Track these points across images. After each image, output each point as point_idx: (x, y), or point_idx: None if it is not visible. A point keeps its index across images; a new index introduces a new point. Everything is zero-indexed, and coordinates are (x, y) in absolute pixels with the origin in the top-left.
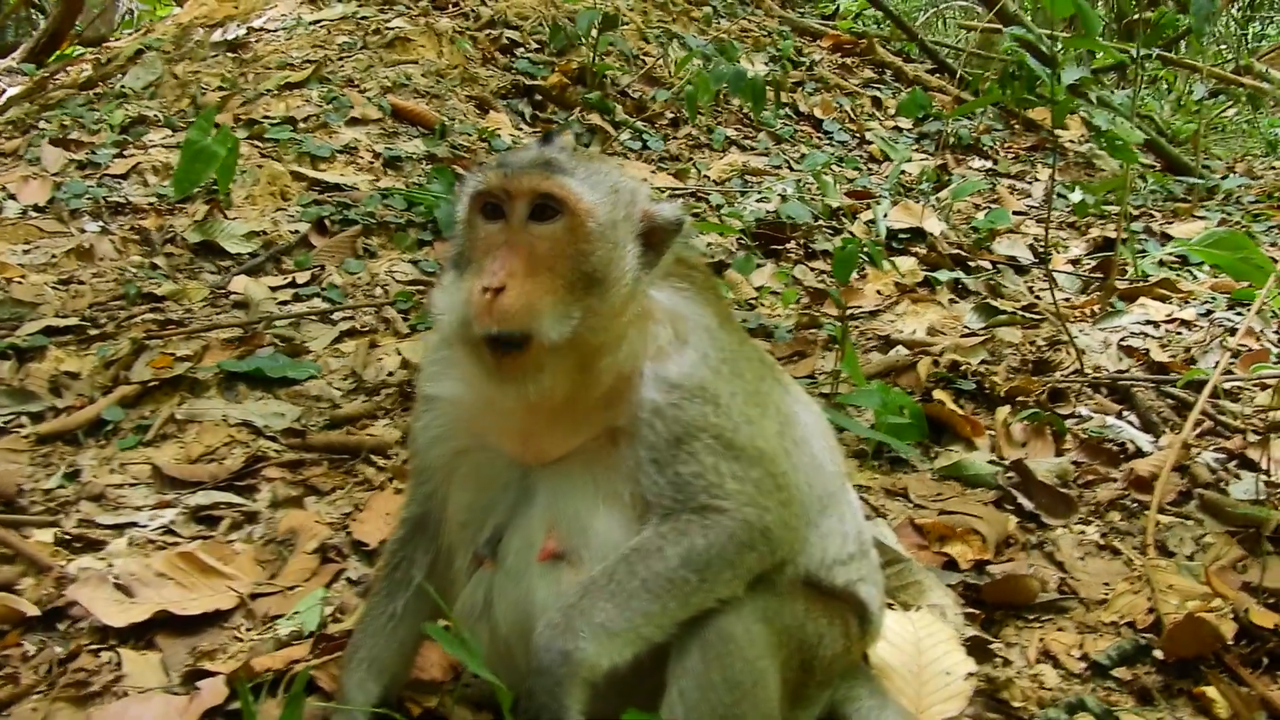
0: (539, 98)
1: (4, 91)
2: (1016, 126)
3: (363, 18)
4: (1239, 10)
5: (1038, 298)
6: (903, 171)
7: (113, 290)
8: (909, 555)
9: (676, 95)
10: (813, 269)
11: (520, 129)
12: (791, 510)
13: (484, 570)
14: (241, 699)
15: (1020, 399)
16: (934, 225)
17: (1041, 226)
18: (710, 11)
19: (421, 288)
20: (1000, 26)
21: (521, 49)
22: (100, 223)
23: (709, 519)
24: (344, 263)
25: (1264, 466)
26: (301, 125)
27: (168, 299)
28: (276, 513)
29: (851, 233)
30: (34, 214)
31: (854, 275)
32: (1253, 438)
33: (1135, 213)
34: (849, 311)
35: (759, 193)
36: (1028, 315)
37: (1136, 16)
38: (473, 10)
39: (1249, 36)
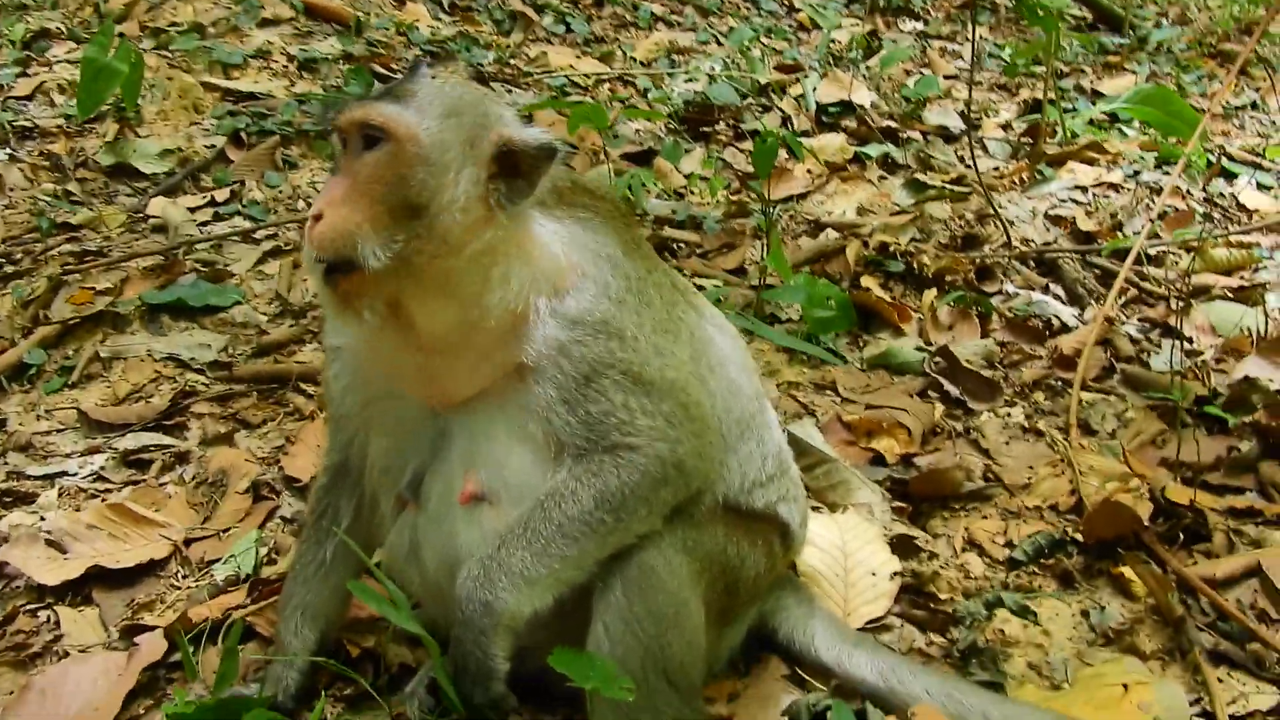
0: None
1: None
2: None
3: None
4: None
5: (968, 167)
6: (832, 40)
7: (26, 222)
8: (835, 455)
9: None
10: (742, 150)
11: (439, 19)
12: (705, 440)
13: (408, 513)
14: (181, 651)
15: (949, 278)
16: (863, 96)
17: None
18: None
19: None
20: None
21: None
22: (7, 149)
23: (621, 457)
24: (264, 176)
25: (1185, 333)
26: (210, 30)
27: (84, 228)
28: (208, 451)
29: (781, 109)
30: None
31: (783, 156)
32: (1176, 304)
33: (1065, 70)
34: (777, 197)
35: (686, 74)
36: (956, 189)
37: None
38: None
39: None
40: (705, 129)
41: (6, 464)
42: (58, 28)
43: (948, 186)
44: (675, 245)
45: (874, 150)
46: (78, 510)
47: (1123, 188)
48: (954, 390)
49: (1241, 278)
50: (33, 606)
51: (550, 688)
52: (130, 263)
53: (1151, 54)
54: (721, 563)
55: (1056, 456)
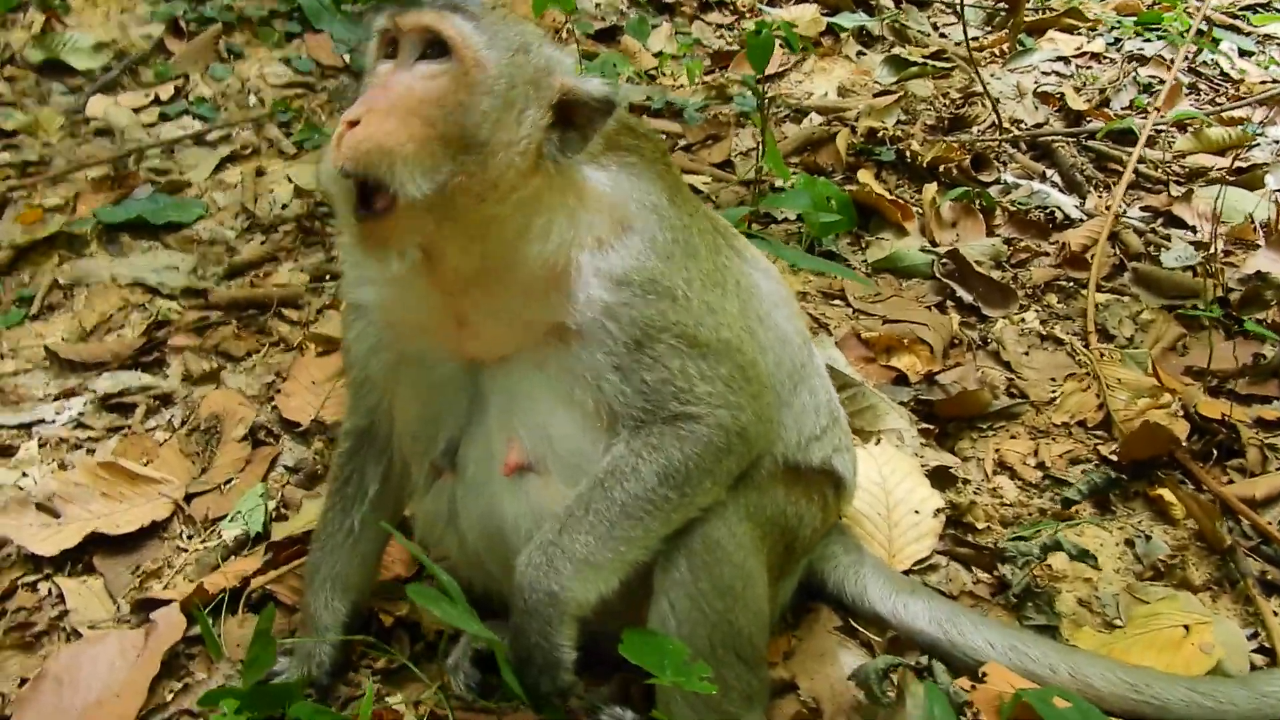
0: None
1: None
2: None
3: None
4: None
5: (943, 35)
6: None
7: None
8: (861, 379)
9: None
10: (710, 24)
11: None
12: (764, 401)
13: (444, 480)
14: (202, 628)
15: (943, 168)
16: None
17: None
18: None
19: (299, 91)
20: None
21: None
22: None
23: (683, 428)
24: (209, 69)
25: (1191, 223)
26: None
27: (21, 133)
28: (193, 391)
29: None
30: None
31: (750, 29)
32: (1176, 190)
33: None
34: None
35: None
36: (938, 64)
37: None
38: None
39: None
40: (669, 1)
41: None
42: None
43: (930, 63)
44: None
45: (848, 22)
46: (63, 467)
47: (1105, 57)
48: (967, 296)
49: (1237, 156)
50: (31, 578)
51: (602, 654)
52: (79, 173)
53: None
54: (781, 524)
55: (1079, 367)
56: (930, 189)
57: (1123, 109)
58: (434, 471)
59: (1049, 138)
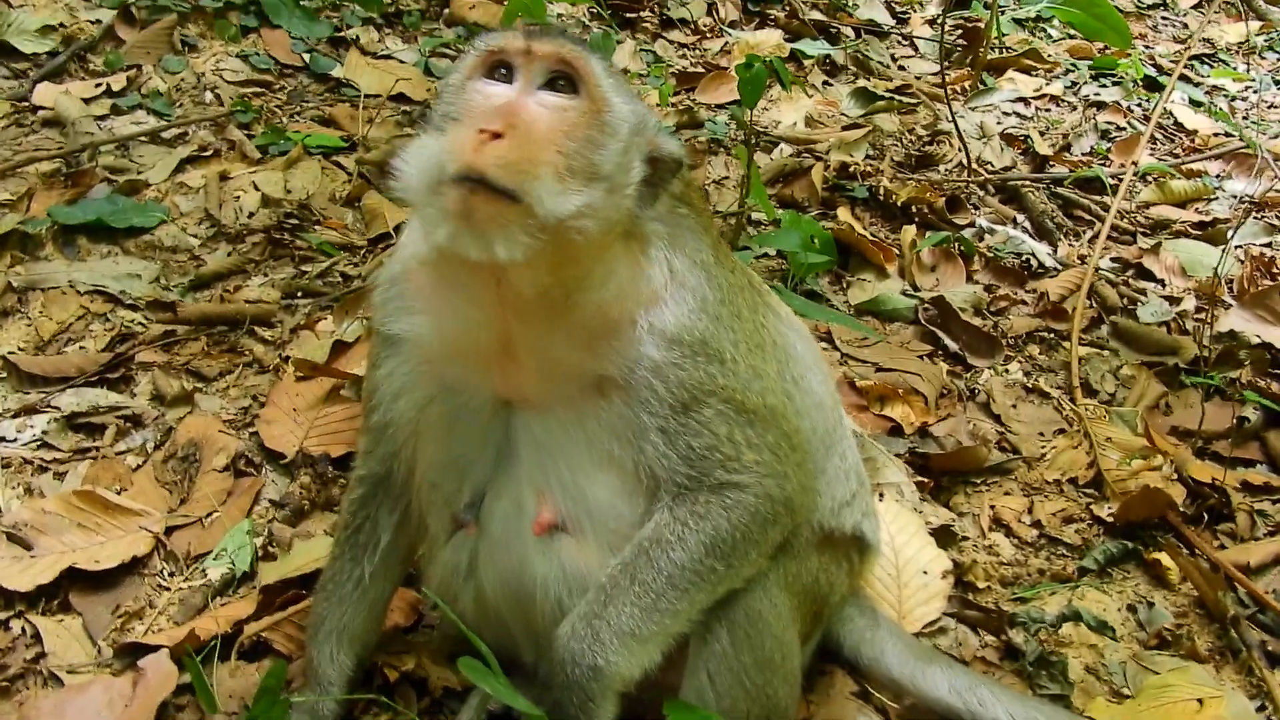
0: None
1: None
2: None
3: None
4: None
5: (902, 68)
6: None
7: None
8: (861, 430)
9: None
10: (672, 42)
11: None
12: (807, 470)
13: (466, 533)
14: (194, 679)
15: (918, 207)
16: None
17: None
18: None
19: (258, 89)
20: None
21: None
22: None
23: (730, 497)
24: (162, 60)
25: (1160, 275)
26: None
27: None
28: (165, 412)
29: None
30: None
31: (714, 50)
32: (1145, 242)
33: None
34: (715, 102)
35: None
36: (903, 100)
37: None
38: None
39: None
40: (630, 15)
41: None
42: None
43: (896, 97)
44: None
45: (811, 49)
46: (29, 492)
47: (1063, 100)
48: (953, 345)
49: (1198, 210)
50: (3, 616)
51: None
52: (29, 167)
53: None
54: (814, 592)
55: (1066, 422)
56: (909, 231)
57: (1084, 155)
58: (454, 523)
59: (1017, 182)
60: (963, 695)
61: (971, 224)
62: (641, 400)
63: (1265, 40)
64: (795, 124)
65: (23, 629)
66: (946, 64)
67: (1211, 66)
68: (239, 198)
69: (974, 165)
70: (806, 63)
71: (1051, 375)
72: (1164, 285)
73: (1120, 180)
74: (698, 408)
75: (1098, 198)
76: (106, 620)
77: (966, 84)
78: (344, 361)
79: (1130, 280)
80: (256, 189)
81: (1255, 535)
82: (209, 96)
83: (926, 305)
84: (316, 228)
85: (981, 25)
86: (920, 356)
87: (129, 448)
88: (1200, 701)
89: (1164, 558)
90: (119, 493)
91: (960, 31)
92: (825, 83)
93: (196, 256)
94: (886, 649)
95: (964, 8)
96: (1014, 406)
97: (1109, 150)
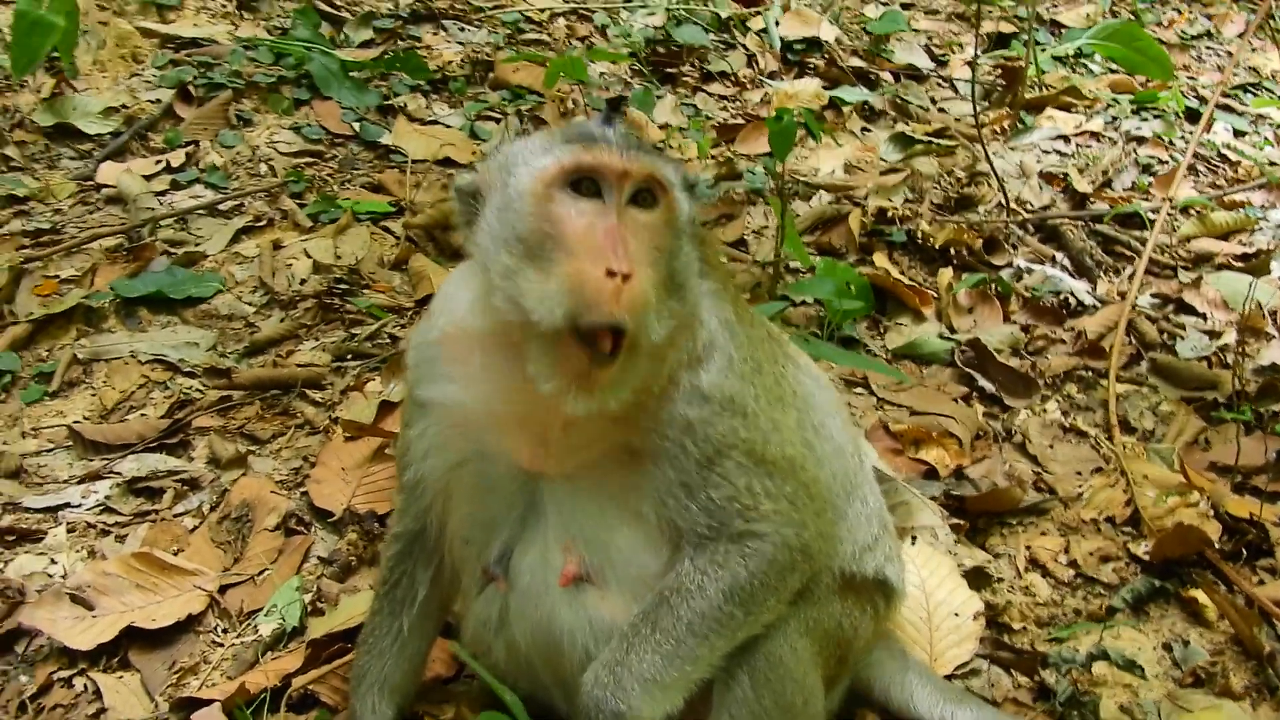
0: None
1: None
2: None
3: None
4: None
5: (942, 110)
6: None
7: None
8: (894, 473)
9: None
10: (712, 94)
11: None
12: (826, 518)
13: (496, 587)
14: None
15: (956, 249)
16: (828, 32)
17: (931, 20)
18: None
19: (310, 159)
20: None
21: None
22: None
23: (748, 546)
24: (218, 135)
25: (1201, 309)
26: None
27: (31, 199)
28: (220, 475)
29: (745, 46)
30: None
31: (754, 101)
32: (1185, 277)
33: None
34: (753, 153)
35: (645, 5)
36: (942, 143)
37: None
38: None
39: None
40: (670, 70)
41: (0, 494)
42: None
43: (934, 140)
44: None
45: (849, 95)
46: (92, 554)
47: (1104, 136)
48: (989, 386)
49: (1240, 241)
50: (66, 673)
51: None
52: (94, 244)
53: None
54: (837, 637)
55: (1104, 461)
56: (946, 274)
57: (1125, 190)
58: (485, 577)
59: (1057, 220)
60: None
61: (1009, 264)
62: (670, 459)
63: None
64: (833, 171)
65: (84, 686)
66: (985, 104)
67: (1255, 95)
68: (291, 265)
69: (1013, 205)
70: (845, 109)
71: (1089, 414)
72: (1205, 319)
73: (1158, 213)
74: (720, 461)
75: (1138, 233)
76: (163, 676)
77: (1006, 123)
78: (390, 421)
79: (1170, 316)
80: (308, 256)
81: None
82: (263, 168)
83: (963, 347)
84: (365, 291)
85: (1020, 65)
86: (955, 399)
87: (186, 510)
88: None
89: (1200, 595)
90: (176, 553)
91: (1000, 71)
92: (864, 128)
93: (251, 323)
94: (916, 691)
95: (1003, 47)
96: (1050, 446)
97: (1150, 185)
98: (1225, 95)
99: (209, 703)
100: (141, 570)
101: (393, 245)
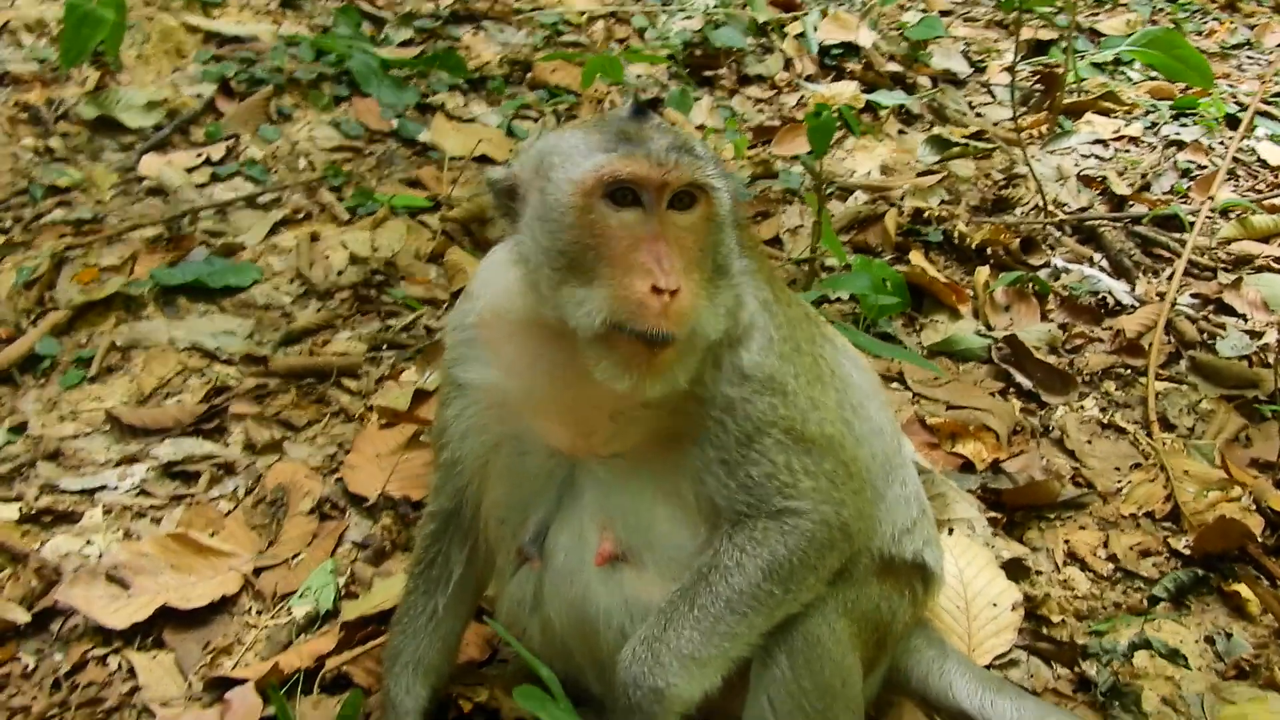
0: None
1: None
2: None
3: None
4: None
5: (979, 115)
6: None
7: (10, 183)
8: (930, 466)
9: None
10: (749, 97)
11: None
12: (864, 497)
13: (531, 566)
14: (279, 712)
15: (993, 249)
16: (866, 37)
17: (970, 27)
18: None
19: (348, 155)
20: None
21: None
22: None
23: (786, 523)
24: (259, 130)
25: (1241, 310)
26: None
27: (74, 190)
28: (256, 460)
29: (783, 51)
30: None
31: (789, 104)
32: (1225, 278)
33: (1059, 4)
34: (790, 153)
35: (682, 9)
36: (979, 145)
37: None
38: None
39: None
40: (708, 74)
41: (38, 475)
42: None
43: (971, 143)
44: None
45: (886, 99)
46: (128, 536)
47: (1142, 141)
48: (1026, 382)
49: None
50: (100, 652)
51: None
52: (134, 232)
53: None
54: (875, 619)
55: (1143, 456)
56: (982, 272)
57: (1164, 193)
58: (520, 557)
59: (1095, 221)
60: None
61: (1046, 264)
62: (711, 438)
63: None
64: (870, 172)
65: (119, 664)
66: (1024, 109)
67: None
68: (328, 257)
69: (1050, 206)
70: (882, 113)
71: (1128, 411)
72: (1246, 320)
73: (1197, 216)
74: (759, 438)
75: (1177, 235)
76: (197, 656)
77: (1044, 128)
78: (425, 409)
79: (1209, 316)
80: (345, 248)
81: None
82: (302, 163)
83: (1000, 344)
84: (401, 283)
85: (1059, 71)
86: (992, 394)
87: (221, 494)
88: None
89: (1243, 589)
90: (211, 536)
91: (1038, 77)
92: (901, 131)
93: (288, 313)
94: (955, 680)
95: (1042, 54)
96: (1089, 442)
97: (1189, 189)
98: (1265, 102)
99: (242, 682)
100: (177, 551)
101: (429, 239)
